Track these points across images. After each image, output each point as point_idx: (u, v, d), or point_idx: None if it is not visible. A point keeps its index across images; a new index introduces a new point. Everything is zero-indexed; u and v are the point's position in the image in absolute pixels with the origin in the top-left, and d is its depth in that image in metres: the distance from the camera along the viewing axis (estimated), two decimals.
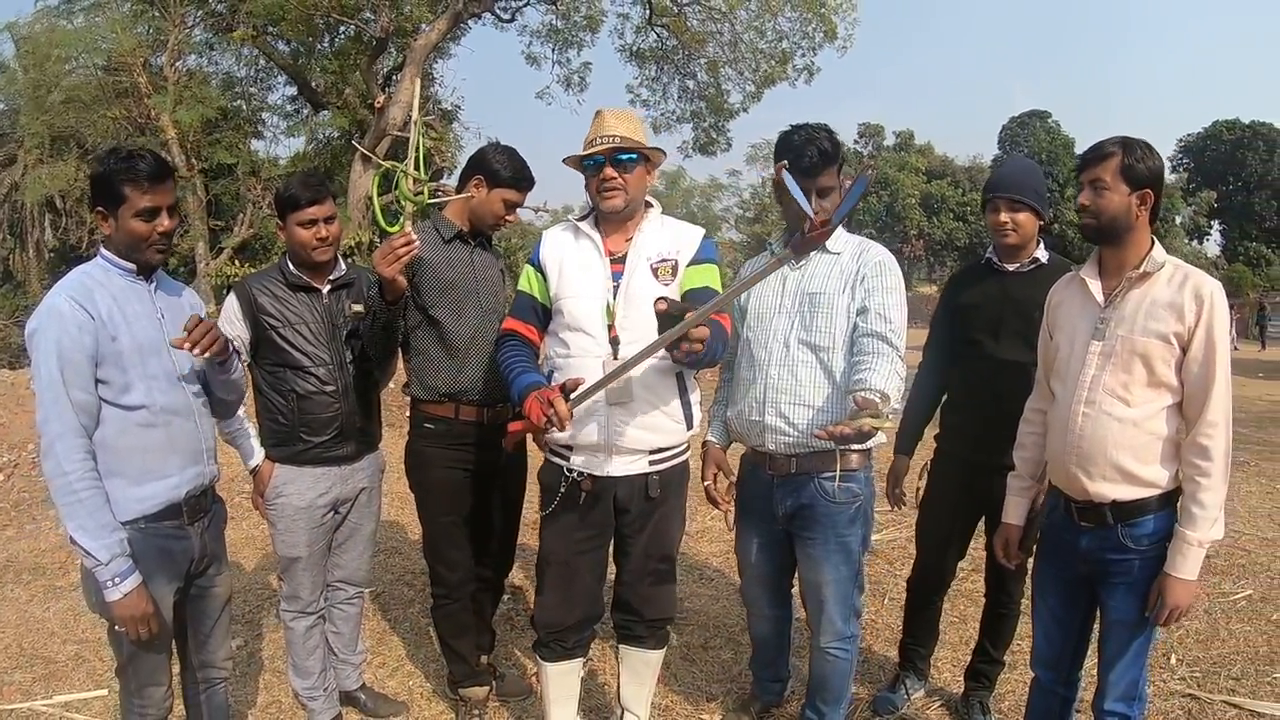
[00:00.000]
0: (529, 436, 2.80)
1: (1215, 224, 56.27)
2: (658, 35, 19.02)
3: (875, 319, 2.76)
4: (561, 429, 2.52)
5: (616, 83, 34.03)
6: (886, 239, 48.91)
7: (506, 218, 3.40)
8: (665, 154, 2.90)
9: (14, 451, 8.20)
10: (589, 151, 2.77)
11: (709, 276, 2.86)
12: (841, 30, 17.65)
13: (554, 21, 18.49)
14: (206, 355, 2.43)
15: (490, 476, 3.30)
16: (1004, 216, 3.11)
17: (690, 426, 2.88)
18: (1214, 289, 2.36)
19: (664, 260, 2.82)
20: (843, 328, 2.82)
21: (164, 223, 2.43)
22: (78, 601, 4.70)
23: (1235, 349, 27.68)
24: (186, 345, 2.40)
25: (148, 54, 18.30)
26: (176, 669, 2.73)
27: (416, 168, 2.90)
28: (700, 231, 2.92)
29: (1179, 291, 2.38)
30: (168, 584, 2.52)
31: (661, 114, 20.28)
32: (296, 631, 3.30)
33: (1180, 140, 58.89)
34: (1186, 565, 2.37)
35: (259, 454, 3.20)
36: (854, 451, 2.84)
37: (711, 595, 4.89)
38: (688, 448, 2.97)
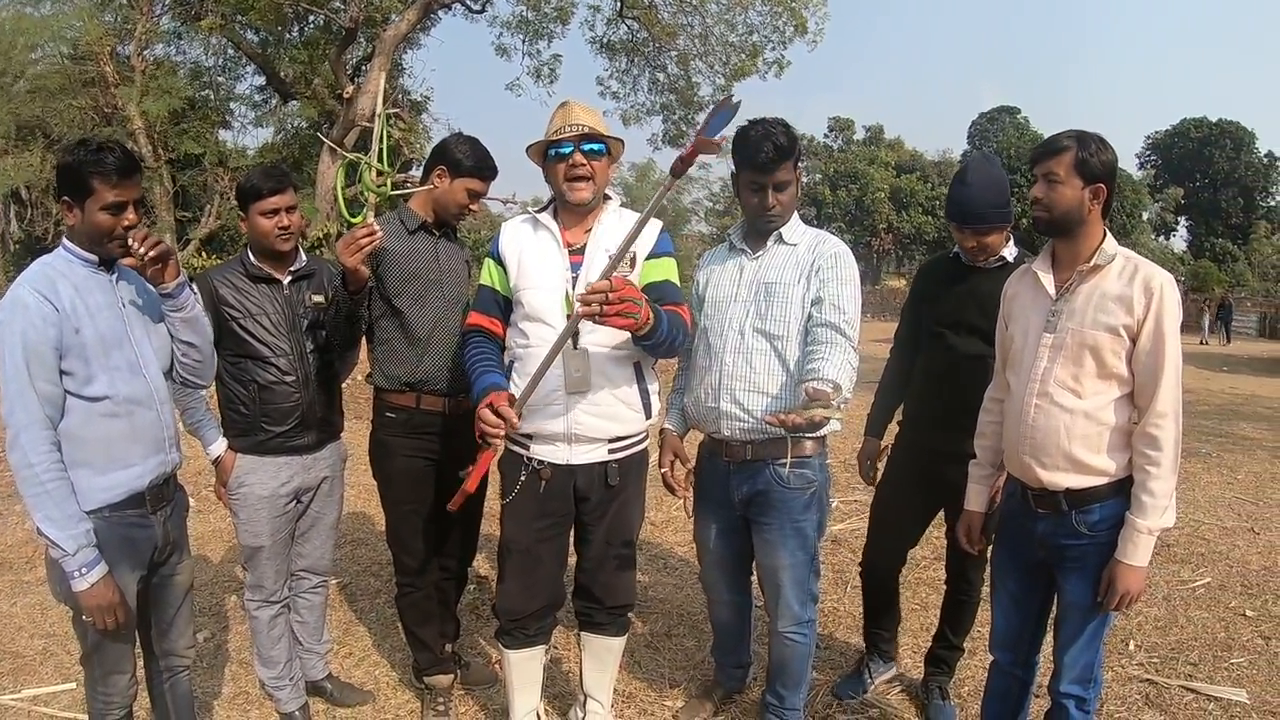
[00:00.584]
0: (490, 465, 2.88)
1: (1182, 220, 57.10)
2: (629, 27, 18.97)
3: (830, 309, 2.81)
4: (512, 429, 2.66)
5: (587, 74, 34.04)
6: (856, 232, 49.37)
7: (470, 207, 3.38)
8: (625, 145, 2.95)
9: None
10: (560, 138, 2.77)
11: (667, 270, 2.92)
12: (812, 25, 17.67)
13: (524, 12, 18.37)
14: (152, 254, 2.39)
15: (453, 466, 3.25)
16: (972, 243, 3.15)
17: (649, 415, 2.92)
18: (1164, 281, 2.37)
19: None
20: (797, 316, 2.86)
21: (129, 217, 2.42)
22: (45, 596, 4.64)
23: (1204, 343, 28.18)
24: (134, 244, 2.38)
25: (114, 43, 18.10)
26: (141, 659, 2.73)
27: (380, 160, 2.93)
28: (658, 225, 2.92)
29: (1129, 284, 2.39)
30: (131, 572, 2.52)
31: (631, 106, 20.24)
32: (261, 621, 3.30)
33: (1148, 137, 59.81)
34: (1137, 552, 2.41)
35: (221, 444, 3.19)
36: (808, 438, 2.89)
37: (675, 584, 4.92)
38: (646, 436, 3.00)
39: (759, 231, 2.99)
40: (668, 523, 5.91)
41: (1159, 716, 3.42)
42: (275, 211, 3.10)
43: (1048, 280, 2.55)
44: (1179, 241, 58.24)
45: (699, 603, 4.33)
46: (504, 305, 2.95)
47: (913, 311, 3.51)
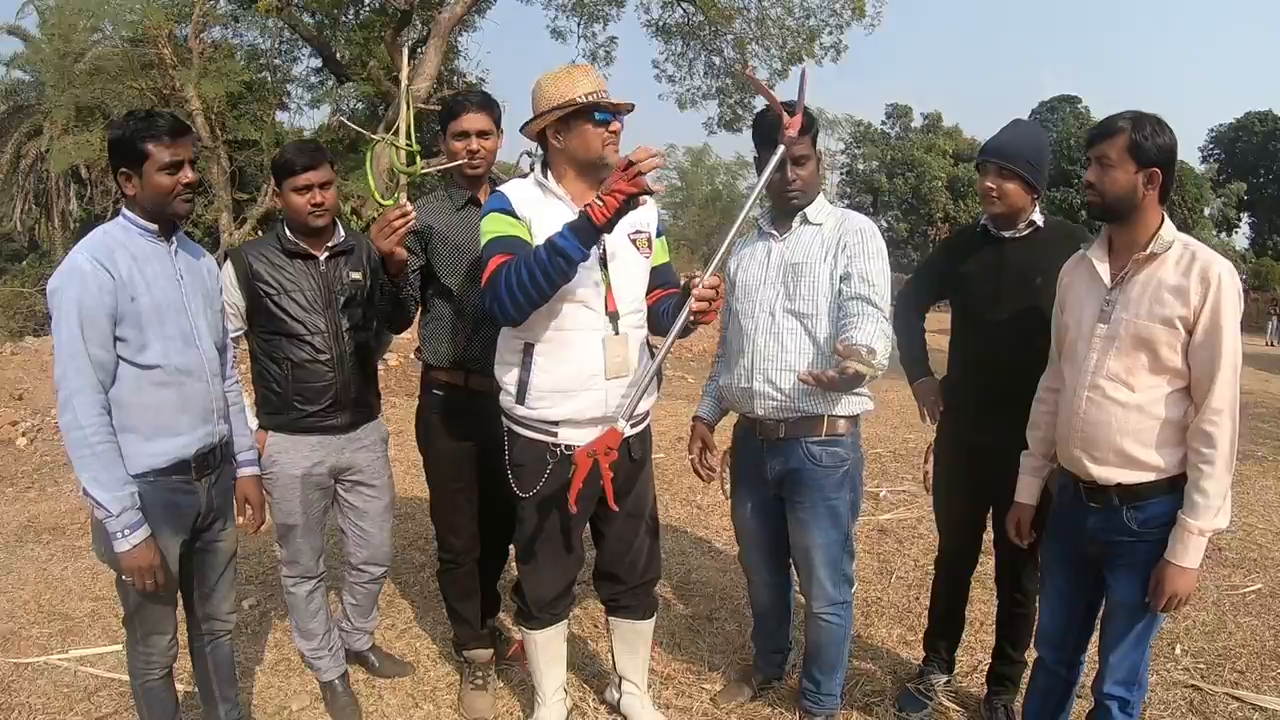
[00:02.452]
0: (598, 460, 2.63)
1: (1245, 216, 55.53)
2: (684, 11, 18.91)
3: (859, 283, 2.84)
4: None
5: (642, 58, 33.90)
6: (912, 221, 48.71)
7: (470, 149, 3.22)
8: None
9: (37, 416, 8.32)
10: (609, 104, 2.68)
11: (667, 250, 3.05)
12: (870, 8, 17.52)
13: None
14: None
15: (498, 445, 3.27)
16: (990, 182, 3.00)
17: (659, 388, 3.00)
18: (1223, 270, 2.29)
19: (639, 232, 2.86)
20: (826, 295, 2.90)
21: (187, 175, 2.49)
22: (95, 561, 4.74)
23: (1271, 345, 27.33)
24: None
25: (173, 25, 18.37)
26: (185, 622, 2.81)
27: (406, 138, 2.89)
28: (653, 204, 2.91)
29: (1186, 274, 2.32)
30: (174, 536, 2.58)
31: (687, 90, 20.19)
32: (298, 597, 3.35)
33: (1211, 130, 58.05)
34: (1187, 553, 2.35)
35: (253, 424, 3.16)
36: (840, 417, 2.94)
37: (718, 568, 4.94)
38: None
39: (784, 212, 3.03)
40: (713, 507, 5.91)
41: None
42: (308, 188, 3.06)
43: (1103, 269, 2.48)
44: (1241, 239, 56.58)
45: (741, 587, 4.33)
46: None
47: (926, 279, 3.44)
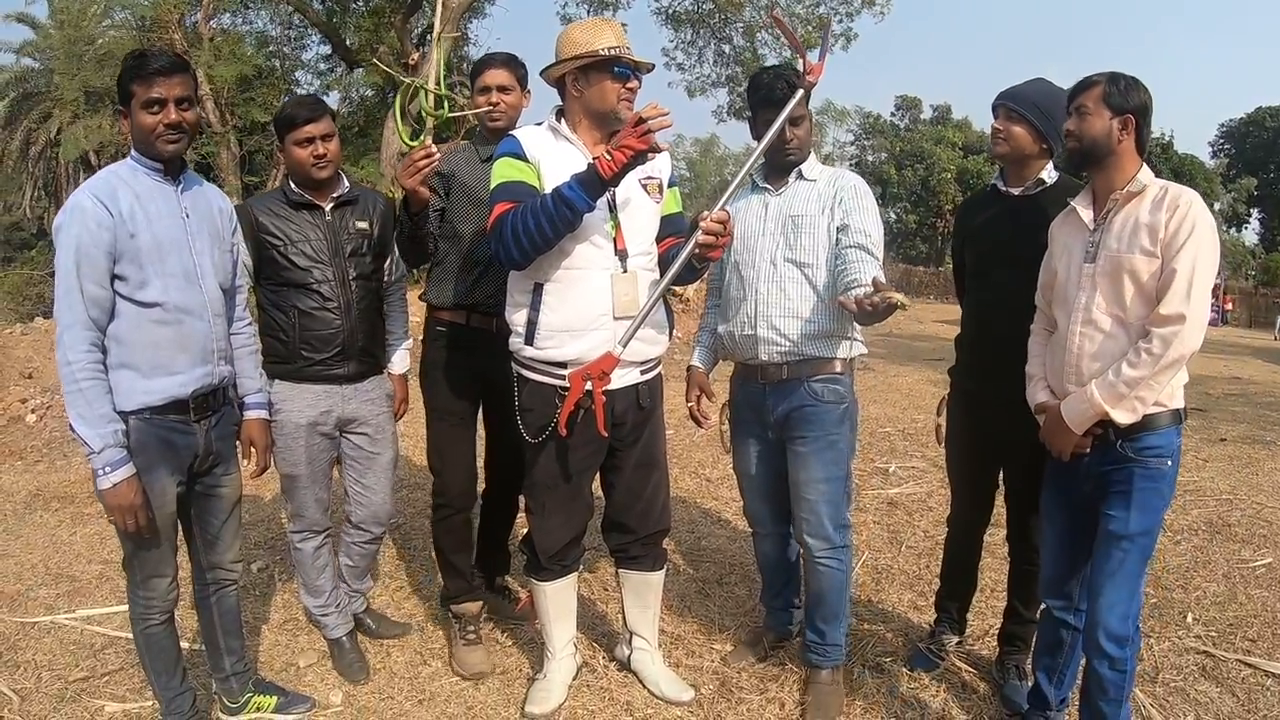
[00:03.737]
0: (592, 384, 2.72)
1: (1255, 212, 55.30)
2: None
3: (856, 233, 2.94)
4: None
5: (652, 45, 33.76)
6: (920, 213, 48.63)
7: (491, 102, 3.33)
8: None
9: (47, 394, 8.35)
10: (630, 59, 2.73)
11: (679, 201, 3.11)
12: None
13: None
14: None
15: (501, 386, 3.24)
16: (999, 124, 3.04)
17: (670, 336, 3.04)
18: (1192, 197, 2.42)
19: (650, 178, 2.91)
20: (825, 245, 3.01)
21: (170, 114, 2.47)
22: (104, 526, 4.82)
23: (1278, 339, 27.32)
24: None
25: (183, 11, 18.39)
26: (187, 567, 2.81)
27: (437, 84, 2.97)
28: (666, 154, 2.98)
29: (1159, 206, 2.45)
30: (169, 475, 2.57)
31: (697, 78, 20.16)
32: (305, 552, 3.35)
33: (1222, 125, 57.89)
34: (1071, 411, 2.53)
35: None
36: (840, 359, 3.06)
37: (729, 536, 4.96)
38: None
39: (779, 168, 3.12)
40: (722, 480, 5.92)
41: (1215, 688, 3.33)
42: (310, 140, 3.07)
43: (1086, 214, 2.61)
44: (1250, 234, 56.47)
45: (751, 553, 4.33)
46: None
47: (955, 245, 3.43)
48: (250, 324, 2.97)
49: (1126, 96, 2.50)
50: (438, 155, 2.91)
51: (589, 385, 2.69)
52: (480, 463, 3.56)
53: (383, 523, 3.47)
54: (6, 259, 26.14)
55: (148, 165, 2.53)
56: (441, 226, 3.29)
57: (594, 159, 2.56)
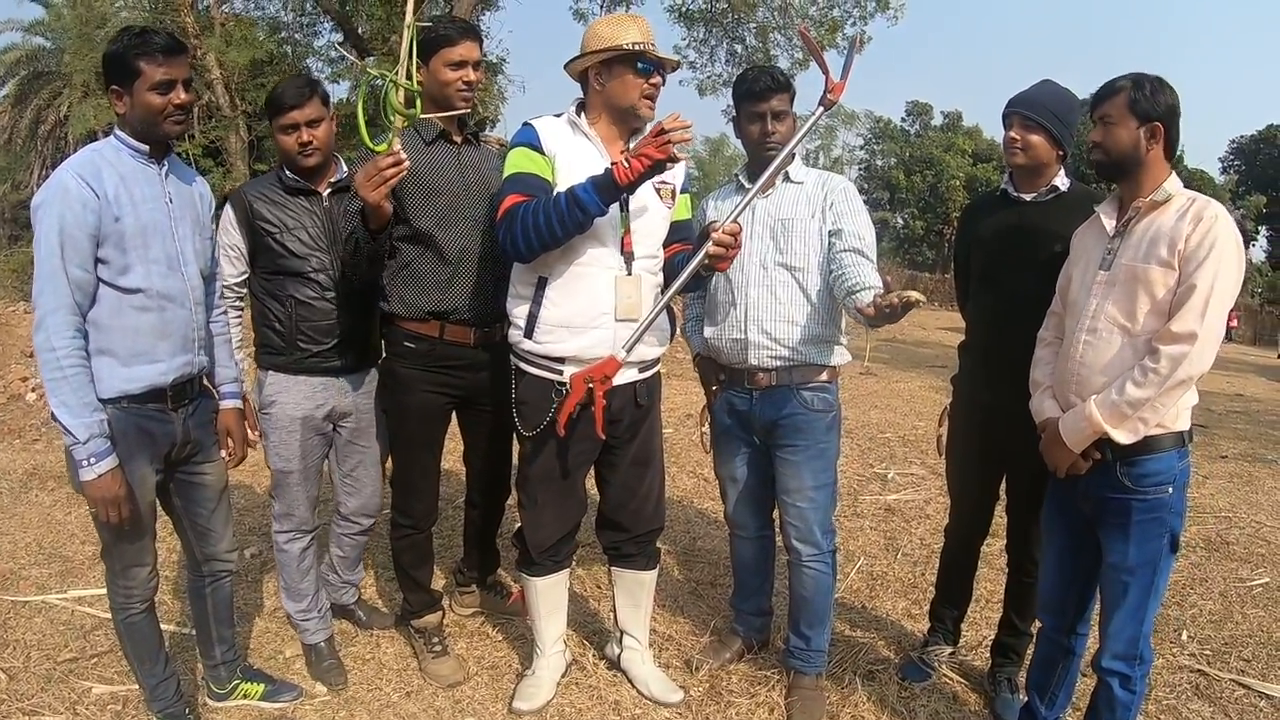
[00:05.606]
0: (594, 386, 2.71)
1: (1263, 229, 55.19)
2: None
3: (851, 237, 2.95)
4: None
5: (664, 43, 33.60)
6: (928, 219, 48.62)
7: (466, 80, 2.96)
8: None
9: None
10: (655, 55, 2.72)
11: (689, 208, 3.11)
12: (894, 0, 17.36)
13: None
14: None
15: (475, 400, 3.18)
16: (1015, 133, 2.95)
17: (672, 338, 3.04)
18: (1219, 210, 2.30)
19: (664, 182, 2.89)
20: (816, 249, 3.01)
21: (179, 95, 2.43)
22: None
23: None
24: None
25: None
26: (164, 554, 2.78)
27: (408, 77, 2.55)
28: (683, 162, 2.92)
29: (1182, 217, 2.33)
30: (148, 464, 2.53)
31: (708, 77, 20.00)
32: (291, 554, 3.25)
33: (1233, 141, 57.79)
34: (1068, 427, 2.45)
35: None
36: (829, 366, 3.07)
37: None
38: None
39: (762, 164, 3.02)
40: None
41: (1207, 708, 3.30)
42: (295, 127, 2.94)
43: (1109, 222, 2.51)
44: (1258, 251, 56.25)
45: None
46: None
47: (964, 256, 3.31)
48: (225, 311, 2.91)
49: (1154, 101, 2.37)
50: (407, 163, 2.58)
51: (590, 387, 2.68)
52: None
53: (372, 514, 3.41)
54: (13, 237, 26.13)
55: (133, 146, 2.46)
56: (398, 227, 2.94)
57: (612, 163, 2.55)
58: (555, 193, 2.63)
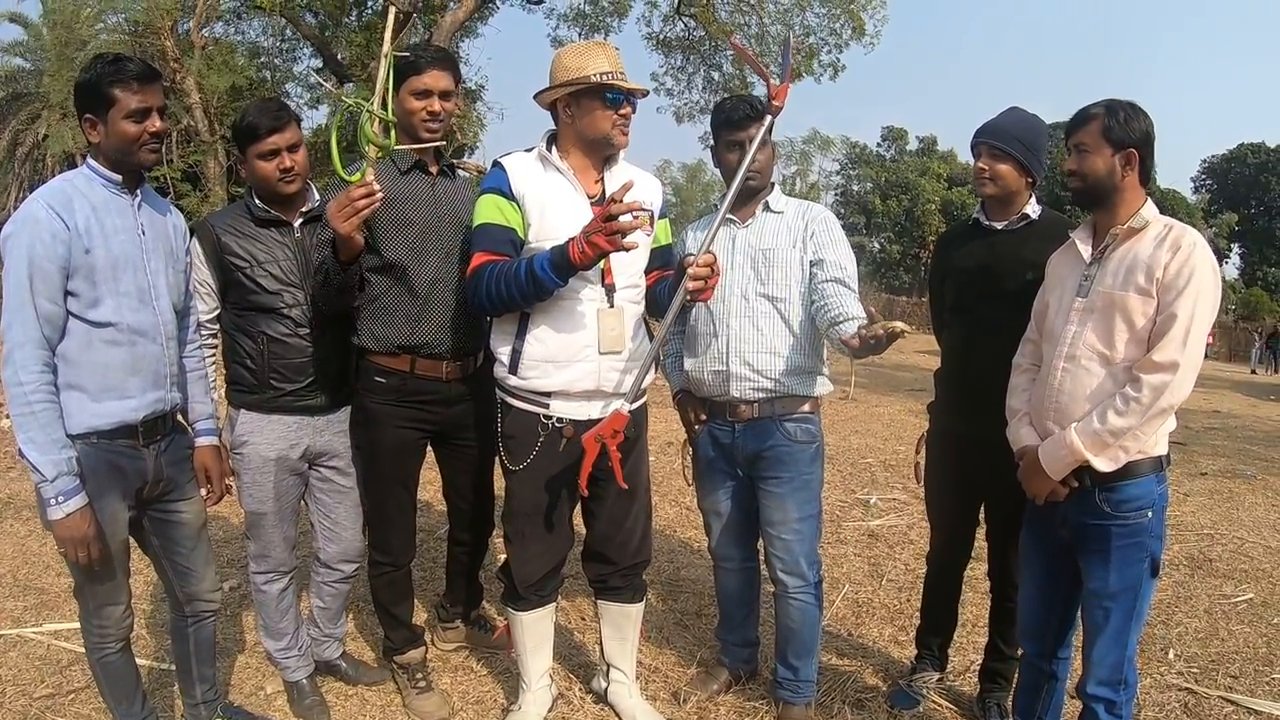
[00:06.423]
0: (606, 443, 2.66)
1: (1235, 247, 55.99)
2: (685, 25, 18.94)
3: (833, 268, 2.94)
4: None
5: (641, 70, 33.85)
6: (904, 243, 49.02)
7: (430, 111, 2.90)
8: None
9: None
10: (623, 85, 2.67)
11: (669, 233, 3.08)
12: (870, 27, 17.58)
13: (582, 6, 18.45)
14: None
15: (451, 435, 3.11)
16: (984, 163, 2.97)
17: (656, 370, 3.00)
18: (1196, 239, 2.31)
19: (642, 210, 2.79)
20: (798, 280, 2.99)
21: (154, 123, 2.39)
22: None
23: (1254, 372, 27.67)
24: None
25: (176, 17, 18.33)
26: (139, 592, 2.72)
27: (383, 107, 2.51)
28: (658, 183, 2.99)
29: (1160, 244, 2.34)
30: (120, 501, 2.46)
31: (685, 104, 20.23)
32: (269, 595, 3.13)
33: (1204, 161, 58.76)
34: (1048, 455, 2.43)
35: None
36: (811, 397, 3.05)
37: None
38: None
39: (742, 196, 2.97)
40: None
41: None
42: (275, 152, 2.82)
43: (1085, 248, 2.52)
44: (1231, 269, 57.07)
45: None
46: (520, 250, 2.74)
47: (939, 285, 3.31)
48: (200, 346, 2.84)
49: (1128, 128, 2.37)
50: (380, 195, 2.53)
51: (604, 444, 2.64)
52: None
53: (354, 560, 3.22)
54: None
55: (106, 176, 2.41)
56: (368, 258, 2.85)
57: (569, 240, 2.50)
58: (517, 262, 2.62)
